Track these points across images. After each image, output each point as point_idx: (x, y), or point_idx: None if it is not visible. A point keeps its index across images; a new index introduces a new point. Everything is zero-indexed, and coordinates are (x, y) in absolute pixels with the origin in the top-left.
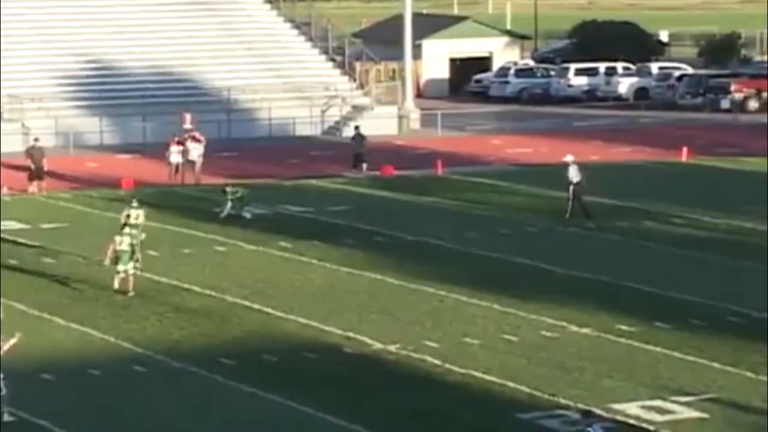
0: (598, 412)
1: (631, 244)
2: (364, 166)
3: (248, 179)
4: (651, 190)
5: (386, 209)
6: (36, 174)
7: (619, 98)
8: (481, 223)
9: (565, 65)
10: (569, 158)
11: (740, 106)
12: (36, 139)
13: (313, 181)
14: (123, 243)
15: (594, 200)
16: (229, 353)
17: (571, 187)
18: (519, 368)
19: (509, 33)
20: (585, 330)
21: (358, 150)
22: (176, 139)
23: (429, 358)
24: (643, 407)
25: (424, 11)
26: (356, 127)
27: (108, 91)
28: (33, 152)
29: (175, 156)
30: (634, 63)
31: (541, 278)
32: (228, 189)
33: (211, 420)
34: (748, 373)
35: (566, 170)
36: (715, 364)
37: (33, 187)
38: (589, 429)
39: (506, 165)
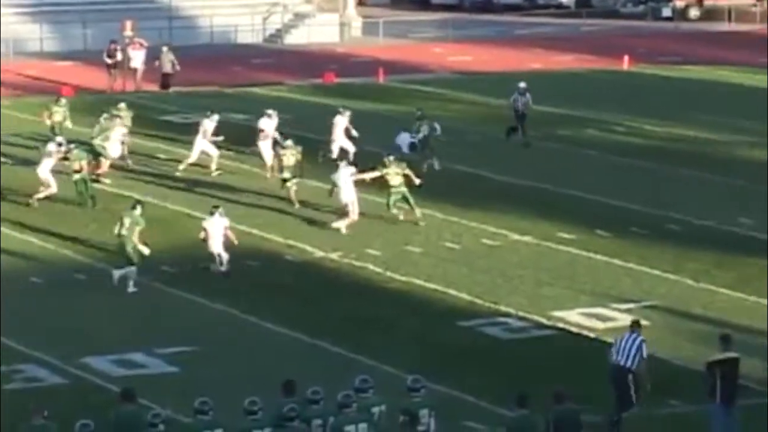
0: (539, 319)
1: (572, 153)
2: None
3: (190, 87)
4: (592, 99)
5: (328, 117)
6: None
7: (560, 6)
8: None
9: None
10: (523, 84)
11: (681, 14)
12: None
13: (255, 89)
14: None
15: (535, 108)
16: (171, 261)
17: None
18: (460, 276)
19: None
20: (526, 238)
21: None
22: (114, 45)
23: (371, 266)
24: (584, 314)
25: None
26: None
27: None
28: None
29: (113, 61)
30: None
31: (482, 186)
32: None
33: (152, 328)
34: (689, 281)
35: (524, 96)
36: (656, 272)
37: None
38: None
39: (448, 73)
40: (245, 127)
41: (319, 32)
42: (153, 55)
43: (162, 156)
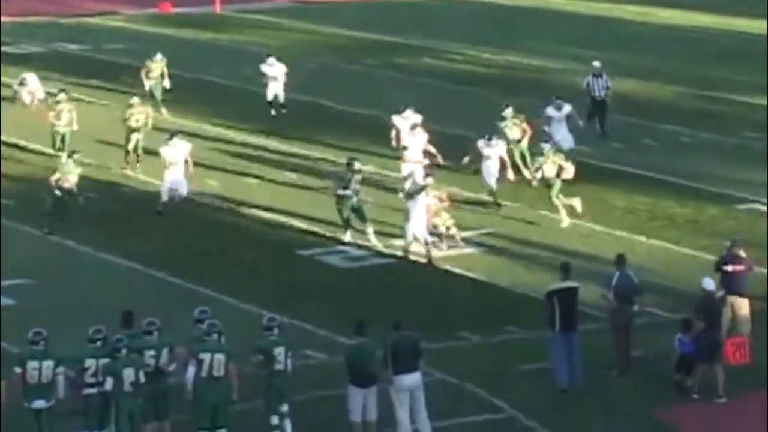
0: (377, 247)
1: (409, 81)
2: None
3: (24, 17)
4: (430, 27)
5: (165, 47)
6: None
7: None
8: (260, 61)
9: None
10: (598, 63)
11: None
12: None
13: (90, 19)
14: None
15: (373, 36)
16: (8, 193)
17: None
18: (299, 206)
19: None
20: (368, 167)
21: None
22: None
23: (208, 198)
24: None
25: None
26: None
27: None
28: None
29: None
30: None
31: (322, 115)
32: None
33: None
34: (527, 208)
35: (601, 78)
36: None
37: None
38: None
39: (285, 2)
40: (81, 58)
41: None
42: None
43: None
